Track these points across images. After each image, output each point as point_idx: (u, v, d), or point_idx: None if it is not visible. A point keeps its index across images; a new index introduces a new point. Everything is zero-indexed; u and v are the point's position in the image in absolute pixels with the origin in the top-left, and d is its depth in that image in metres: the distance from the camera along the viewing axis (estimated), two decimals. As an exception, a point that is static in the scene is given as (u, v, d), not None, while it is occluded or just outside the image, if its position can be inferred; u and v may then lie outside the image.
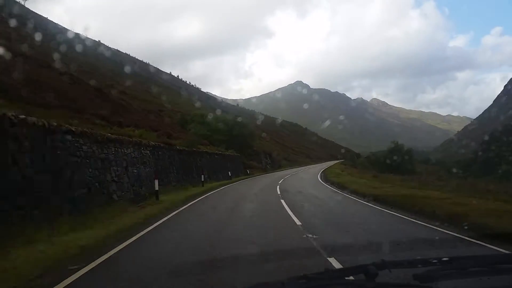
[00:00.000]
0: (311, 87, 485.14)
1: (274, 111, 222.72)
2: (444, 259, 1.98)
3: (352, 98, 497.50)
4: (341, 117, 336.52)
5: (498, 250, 5.74)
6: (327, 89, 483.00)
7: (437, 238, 7.32)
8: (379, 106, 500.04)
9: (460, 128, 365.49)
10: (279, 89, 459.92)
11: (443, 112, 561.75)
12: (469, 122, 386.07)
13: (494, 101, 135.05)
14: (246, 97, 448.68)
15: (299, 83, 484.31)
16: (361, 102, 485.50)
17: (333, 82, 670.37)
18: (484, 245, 6.22)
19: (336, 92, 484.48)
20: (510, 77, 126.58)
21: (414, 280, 1.78)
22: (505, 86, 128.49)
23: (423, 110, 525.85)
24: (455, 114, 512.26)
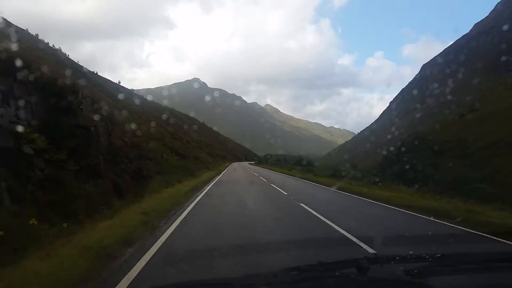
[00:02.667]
0: (208, 85, 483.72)
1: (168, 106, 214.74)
2: (437, 255, 2.01)
3: (248, 102, 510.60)
4: (237, 119, 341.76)
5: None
6: (224, 90, 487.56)
7: None
8: (271, 112, 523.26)
9: (340, 139, 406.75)
10: (175, 83, 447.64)
11: (326, 123, 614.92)
12: (348, 134, 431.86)
13: (377, 119, 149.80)
14: (139, 88, 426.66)
15: (196, 80, 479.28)
16: (255, 106, 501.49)
17: (231, 84, 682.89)
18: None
19: (233, 94, 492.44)
20: (394, 97, 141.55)
21: (405, 276, 1.80)
22: (390, 103, 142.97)
23: (309, 120, 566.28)
24: (336, 126, 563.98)
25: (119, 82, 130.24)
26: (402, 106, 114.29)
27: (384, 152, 41.00)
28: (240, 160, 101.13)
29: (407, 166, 32.66)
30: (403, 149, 37.90)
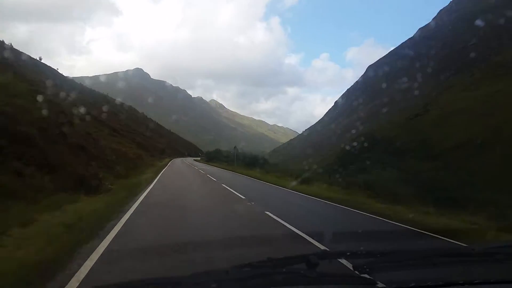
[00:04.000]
0: (152, 77, 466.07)
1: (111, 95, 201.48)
2: (385, 251, 2.11)
3: (193, 96, 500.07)
4: (180, 113, 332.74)
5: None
6: (168, 83, 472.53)
7: None
8: (216, 108, 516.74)
9: (283, 137, 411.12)
10: (116, 73, 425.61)
11: (270, 121, 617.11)
12: (291, 133, 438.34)
13: (321, 119, 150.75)
14: (78, 76, 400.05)
15: (139, 71, 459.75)
16: (200, 101, 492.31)
17: (176, 77, 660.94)
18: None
19: (178, 87, 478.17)
20: (340, 96, 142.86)
21: (353, 271, 1.85)
22: (335, 103, 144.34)
23: (254, 118, 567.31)
24: (280, 124, 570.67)
25: (57, 69, 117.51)
26: (347, 106, 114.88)
27: (347, 147, 38.14)
28: (183, 155, 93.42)
29: (368, 162, 29.89)
30: (365, 144, 35.27)
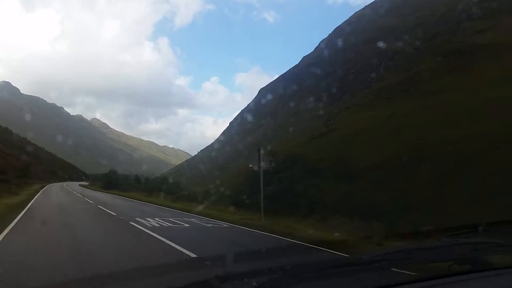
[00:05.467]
0: (21, 92, 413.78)
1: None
2: (286, 267, 2.22)
3: (72, 114, 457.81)
4: (56, 131, 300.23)
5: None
6: (42, 99, 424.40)
7: None
8: (99, 127, 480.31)
9: (174, 159, 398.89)
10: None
11: (160, 142, 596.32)
12: (183, 154, 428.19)
13: (215, 141, 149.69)
14: None
15: (6, 84, 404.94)
16: (80, 119, 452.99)
17: (51, 93, 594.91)
18: None
19: (54, 104, 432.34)
20: (229, 122, 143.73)
21: None
22: (225, 130, 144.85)
23: (142, 138, 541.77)
24: (171, 146, 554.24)
25: None
26: (242, 127, 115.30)
27: (255, 167, 35.67)
28: (62, 179, 79.40)
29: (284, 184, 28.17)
30: (272, 164, 33.42)
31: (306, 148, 37.98)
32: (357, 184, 22.43)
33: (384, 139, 26.69)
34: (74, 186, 57.01)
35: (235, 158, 75.26)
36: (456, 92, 34.37)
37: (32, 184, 47.15)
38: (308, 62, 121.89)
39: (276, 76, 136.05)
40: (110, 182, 53.47)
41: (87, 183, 71.16)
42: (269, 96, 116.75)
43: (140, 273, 5.43)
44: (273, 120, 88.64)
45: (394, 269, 2.22)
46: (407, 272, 2.16)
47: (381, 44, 79.48)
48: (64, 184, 63.06)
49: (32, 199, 24.18)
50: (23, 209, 17.17)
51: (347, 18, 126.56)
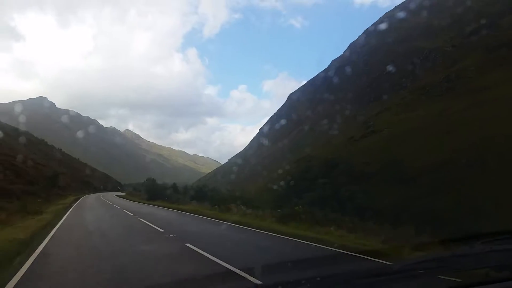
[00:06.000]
0: (57, 106, 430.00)
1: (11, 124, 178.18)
2: (317, 278, 2.18)
3: (105, 126, 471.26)
4: (90, 143, 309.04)
5: None
6: (77, 112, 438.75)
7: None
8: (132, 138, 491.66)
9: (203, 167, 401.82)
10: (17, 101, 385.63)
11: (191, 151, 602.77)
12: (212, 162, 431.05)
13: (244, 149, 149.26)
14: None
15: (43, 99, 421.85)
16: (113, 131, 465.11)
17: (86, 106, 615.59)
18: None
19: (87, 117, 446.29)
20: (264, 123, 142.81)
21: None
22: (253, 138, 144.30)
23: (173, 148, 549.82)
24: (200, 154, 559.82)
25: None
26: (273, 133, 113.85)
27: (281, 183, 34.01)
28: (97, 190, 78.80)
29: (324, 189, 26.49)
30: (313, 168, 31.84)
31: (346, 151, 36.13)
32: (414, 187, 20.47)
33: (438, 139, 24.56)
34: (111, 197, 51.58)
35: (267, 164, 73.88)
36: (508, 87, 31.76)
37: (66, 197, 41.53)
38: (337, 65, 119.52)
39: (304, 82, 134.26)
40: (155, 192, 46.26)
41: (124, 193, 67.47)
42: (300, 101, 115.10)
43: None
44: (305, 125, 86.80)
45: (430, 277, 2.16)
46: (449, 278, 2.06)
47: (415, 43, 76.70)
48: (101, 195, 58.72)
49: (59, 222, 16.19)
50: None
51: (375, 20, 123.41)
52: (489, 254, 2.37)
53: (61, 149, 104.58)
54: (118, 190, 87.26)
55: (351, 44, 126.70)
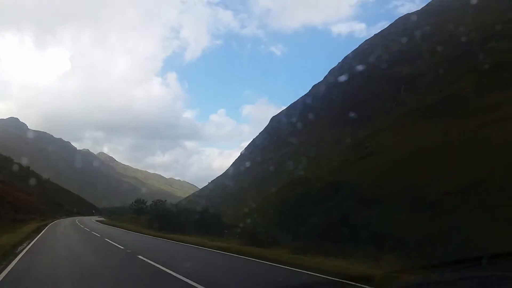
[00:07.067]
0: (29, 127, 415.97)
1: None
2: None
3: (78, 149, 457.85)
4: (62, 166, 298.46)
5: None
6: (49, 134, 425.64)
7: None
8: (106, 161, 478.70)
9: (179, 191, 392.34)
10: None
11: (167, 175, 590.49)
12: (188, 186, 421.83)
13: (223, 173, 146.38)
14: None
15: (14, 120, 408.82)
16: (87, 154, 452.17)
17: (60, 128, 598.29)
18: None
19: (60, 138, 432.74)
20: (245, 147, 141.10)
21: None
22: (241, 153, 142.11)
23: (149, 171, 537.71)
24: (177, 178, 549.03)
25: None
26: (256, 155, 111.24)
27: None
28: (70, 213, 72.34)
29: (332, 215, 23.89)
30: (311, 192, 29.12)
31: (345, 173, 33.78)
32: (440, 213, 18.04)
33: (455, 159, 22.47)
34: (92, 223, 42.44)
35: (253, 186, 70.85)
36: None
37: (25, 223, 31.17)
38: (318, 91, 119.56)
39: (283, 108, 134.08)
40: (163, 218, 34.40)
41: (104, 218, 59.35)
42: (282, 124, 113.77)
43: None
44: (290, 148, 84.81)
45: None
46: None
47: (398, 68, 76.98)
48: (76, 220, 50.99)
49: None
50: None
51: (354, 48, 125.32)
52: (457, 282, 2.33)
53: (29, 167, 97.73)
54: (93, 214, 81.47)
55: (330, 70, 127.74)
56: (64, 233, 26.08)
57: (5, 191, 44.14)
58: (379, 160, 31.69)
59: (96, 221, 50.38)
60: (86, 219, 57.22)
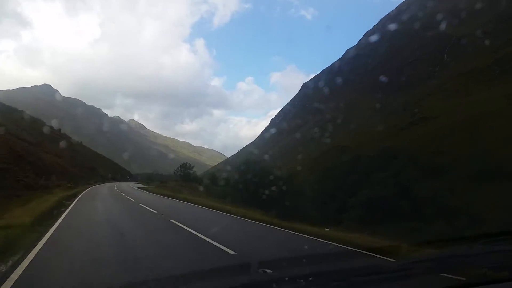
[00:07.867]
0: (61, 94, 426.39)
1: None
2: (311, 274, 2.12)
3: (109, 115, 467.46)
4: (93, 132, 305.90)
5: None
6: (81, 100, 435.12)
7: None
8: (136, 128, 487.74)
9: (208, 160, 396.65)
10: (20, 88, 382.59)
11: (195, 143, 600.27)
12: (217, 155, 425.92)
13: (252, 142, 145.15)
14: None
15: (47, 87, 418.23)
16: (118, 120, 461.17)
17: (91, 95, 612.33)
18: None
19: (92, 105, 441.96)
20: (275, 114, 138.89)
21: None
22: (271, 120, 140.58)
23: (178, 139, 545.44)
24: (205, 146, 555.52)
25: None
26: (292, 122, 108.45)
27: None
28: (105, 179, 69.45)
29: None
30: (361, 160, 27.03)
31: (395, 141, 31.27)
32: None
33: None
34: (140, 193, 33.01)
35: (286, 154, 69.06)
36: None
37: (51, 192, 24.24)
38: (352, 55, 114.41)
39: (312, 75, 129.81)
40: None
41: (144, 185, 52.40)
42: (313, 91, 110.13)
43: None
44: (323, 115, 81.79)
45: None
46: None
47: (442, 30, 71.17)
48: (115, 185, 45.42)
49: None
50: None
51: (389, 11, 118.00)
52: (488, 255, 2.32)
53: (60, 129, 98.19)
54: (128, 180, 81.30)
55: (365, 33, 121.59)
56: (108, 211, 16.48)
57: (25, 150, 36.83)
58: (434, 126, 28.96)
59: (138, 188, 43.71)
60: (124, 185, 51.07)
